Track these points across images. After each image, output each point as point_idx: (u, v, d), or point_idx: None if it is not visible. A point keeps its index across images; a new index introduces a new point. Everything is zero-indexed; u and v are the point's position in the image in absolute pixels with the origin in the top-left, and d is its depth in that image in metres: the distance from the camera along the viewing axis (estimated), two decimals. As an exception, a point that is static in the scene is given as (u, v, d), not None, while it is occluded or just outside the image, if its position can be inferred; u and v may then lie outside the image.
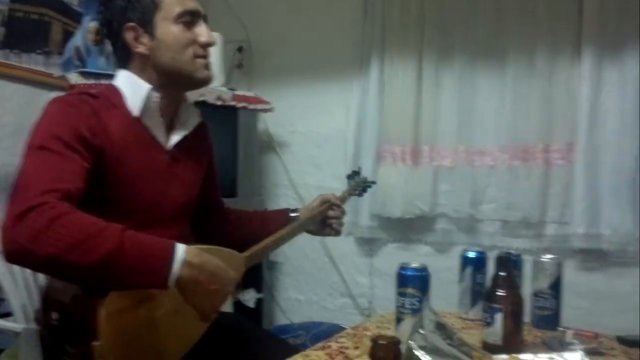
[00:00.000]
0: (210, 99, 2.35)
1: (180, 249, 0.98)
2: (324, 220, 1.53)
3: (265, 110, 2.68)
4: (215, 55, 2.51)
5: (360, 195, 1.80)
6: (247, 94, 2.59)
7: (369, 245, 2.62)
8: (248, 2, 2.91)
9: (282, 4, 2.85)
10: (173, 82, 1.19)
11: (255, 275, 2.57)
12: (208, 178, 1.39)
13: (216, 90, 2.39)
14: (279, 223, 1.42)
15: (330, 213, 1.53)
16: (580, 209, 2.14)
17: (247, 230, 1.45)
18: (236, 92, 2.51)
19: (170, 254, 0.96)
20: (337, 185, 2.49)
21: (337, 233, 1.56)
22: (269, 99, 2.67)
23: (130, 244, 0.94)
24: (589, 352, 1.11)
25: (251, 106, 2.57)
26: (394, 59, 2.49)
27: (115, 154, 1.09)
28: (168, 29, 1.16)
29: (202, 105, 2.19)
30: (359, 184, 1.77)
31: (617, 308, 2.04)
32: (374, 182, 1.88)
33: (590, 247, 2.13)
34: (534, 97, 2.24)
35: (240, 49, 2.87)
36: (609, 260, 2.15)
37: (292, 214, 1.50)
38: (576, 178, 2.16)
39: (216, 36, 2.44)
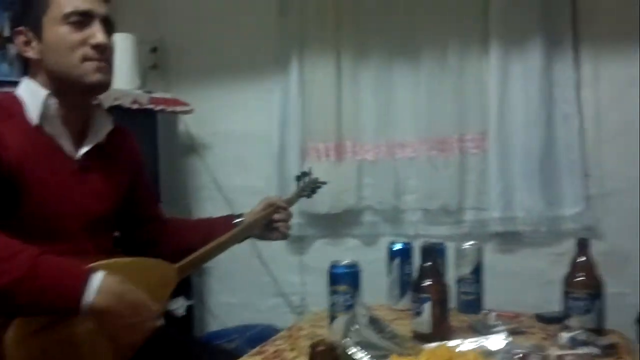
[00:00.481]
0: (126, 102, 2.27)
1: (98, 277, 0.93)
2: (270, 224, 1.51)
3: (185, 112, 2.62)
4: (127, 56, 2.45)
5: (309, 196, 1.79)
6: (165, 96, 2.53)
7: (298, 242, 2.64)
8: (163, 1, 2.83)
9: (198, 2, 2.79)
10: (66, 88, 1.13)
11: (184, 282, 2.51)
12: (136, 187, 1.34)
13: (132, 93, 2.31)
14: (221, 230, 1.37)
15: (276, 216, 1.50)
16: (495, 195, 2.25)
17: (189, 240, 1.38)
18: (153, 95, 2.44)
19: (83, 280, 0.91)
20: (264, 185, 2.51)
21: (284, 236, 1.53)
22: (189, 100, 2.61)
23: (44, 269, 0.89)
24: (511, 332, 1.19)
25: (170, 108, 2.51)
26: (313, 57, 2.51)
27: (14, 167, 1.03)
28: (54, 31, 1.10)
29: (116, 110, 2.12)
30: (307, 185, 1.76)
31: (533, 286, 2.18)
32: (324, 183, 1.86)
33: (506, 230, 2.26)
34: (447, 90, 2.33)
35: (154, 50, 2.78)
36: (524, 241, 2.28)
37: (236, 220, 1.46)
38: (490, 165, 2.27)
39: (127, 37, 2.40)
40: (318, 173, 2.55)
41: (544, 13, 2.18)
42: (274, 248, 2.63)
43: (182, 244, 1.36)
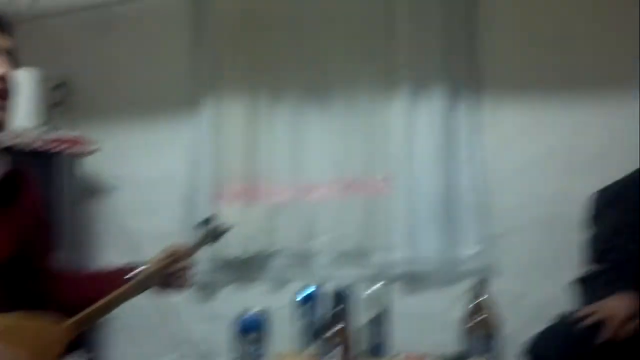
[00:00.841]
0: (25, 142, 2.15)
1: None
2: (171, 274, 1.43)
3: (89, 152, 2.52)
4: (30, 93, 2.33)
5: (213, 243, 1.70)
6: (70, 134, 2.42)
7: (206, 289, 2.56)
8: (70, 36, 2.74)
9: (107, 38, 2.72)
10: None
11: (84, 334, 2.36)
12: (29, 236, 1.25)
13: (32, 132, 2.20)
14: (119, 282, 1.28)
15: (178, 265, 1.43)
16: (401, 236, 2.33)
17: (84, 293, 1.28)
18: (57, 134, 2.33)
19: None
20: (173, 230, 2.43)
21: (183, 288, 1.44)
22: (95, 139, 2.51)
23: None
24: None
25: (73, 148, 2.40)
26: (226, 97, 2.52)
27: None
28: None
29: (14, 150, 1.99)
30: (211, 232, 1.68)
31: (438, 325, 2.24)
32: (228, 229, 1.78)
33: (411, 270, 2.33)
34: (357, 132, 2.42)
35: (60, 86, 2.66)
36: (428, 281, 2.36)
37: (134, 271, 1.35)
38: (396, 207, 2.35)
39: (30, 72, 2.29)
40: (230, 216, 2.52)
41: (447, 60, 2.34)
42: (180, 296, 2.54)
43: (78, 297, 1.27)
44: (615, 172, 2.16)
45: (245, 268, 2.51)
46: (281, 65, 2.49)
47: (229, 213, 2.46)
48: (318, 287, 1.58)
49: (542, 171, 2.29)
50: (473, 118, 2.34)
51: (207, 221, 1.67)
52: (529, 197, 2.29)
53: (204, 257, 2.47)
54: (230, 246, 2.42)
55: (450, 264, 2.32)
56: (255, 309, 1.28)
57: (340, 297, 1.30)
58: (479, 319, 1.35)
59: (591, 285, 2.02)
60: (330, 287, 1.35)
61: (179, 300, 2.51)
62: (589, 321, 1.41)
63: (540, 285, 2.26)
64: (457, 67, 2.34)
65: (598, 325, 1.40)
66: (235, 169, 2.48)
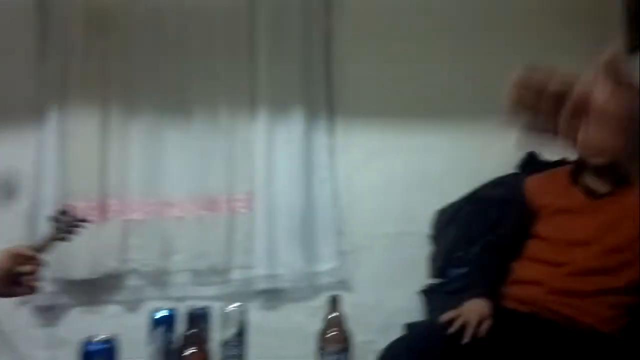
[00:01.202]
0: None
1: None
2: (13, 278, 1.30)
3: None
4: None
5: (65, 238, 1.55)
6: None
7: (48, 312, 2.35)
8: None
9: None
10: None
11: None
12: None
13: None
14: None
15: (22, 268, 1.31)
16: (260, 253, 2.34)
17: None
18: None
19: None
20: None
21: (32, 291, 1.33)
22: None
23: None
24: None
25: None
26: (75, 109, 2.35)
27: None
28: None
29: None
30: (63, 225, 1.53)
31: (296, 341, 2.27)
32: (85, 220, 1.62)
33: (270, 287, 2.35)
34: (217, 150, 2.39)
35: None
36: (287, 297, 2.40)
37: None
38: (256, 224, 2.37)
39: None
40: (78, 235, 2.34)
41: (304, 85, 2.41)
42: (18, 320, 2.31)
43: None
44: (454, 192, 2.38)
45: (94, 289, 2.35)
46: (138, 79, 2.38)
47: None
48: (173, 310, 1.53)
49: (389, 191, 2.45)
50: (328, 141, 2.44)
51: (60, 214, 1.53)
52: (378, 215, 2.44)
53: (47, 278, 2.28)
54: (77, 266, 2.25)
55: (307, 280, 2.38)
56: (103, 334, 1.20)
57: (195, 320, 1.27)
58: (331, 335, 1.40)
59: (436, 296, 2.19)
60: (185, 310, 1.31)
61: (16, 324, 2.29)
62: (455, 325, 1.50)
63: (391, 298, 2.41)
64: (313, 92, 2.43)
65: (449, 325, 1.51)
66: (84, 184, 2.32)
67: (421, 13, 2.46)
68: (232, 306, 1.57)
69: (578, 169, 1.70)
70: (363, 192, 2.46)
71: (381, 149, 2.46)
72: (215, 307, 1.59)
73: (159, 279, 2.37)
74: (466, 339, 1.47)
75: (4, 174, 2.12)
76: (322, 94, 2.44)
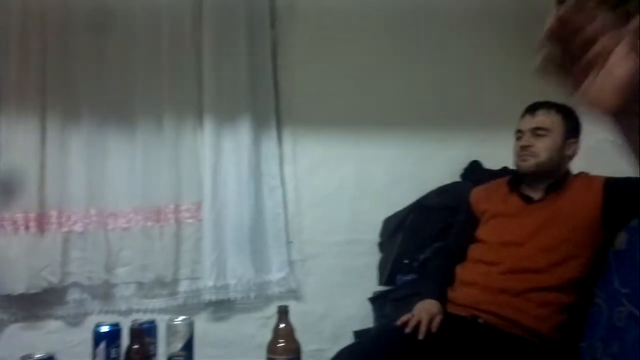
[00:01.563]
0: None
1: None
2: None
3: None
4: None
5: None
6: None
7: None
8: None
9: None
10: None
11: None
12: None
13: None
14: None
15: None
16: (209, 264, 2.31)
17: None
18: None
19: None
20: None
21: None
22: None
23: None
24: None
25: None
26: (11, 117, 2.25)
27: None
28: None
29: None
30: None
31: (246, 351, 2.26)
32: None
33: (219, 298, 2.32)
34: (163, 159, 2.34)
35: None
36: (236, 308, 2.38)
37: None
38: (204, 235, 2.33)
39: None
40: (14, 248, 2.25)
41: (252, 94, 2.40)
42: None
43: None
44: (401, 200, 2.43)
45: (34, 304, 2.25)
46: (79, 84, 2.30)
47: (13, 244, 2.19)
48: (117, 324, 1.48)
49: (338, 199, 2.48)
50: (277, 149, 2.44)
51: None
52: (327, 223, 2.46)
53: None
54: (15, 280, 2.15)
55: (257, 290, 2.36)
56: (43, 351, 1.16)
57: (139, 334, 1.24)
58: (280, 345, 1.39)
59: (385, 303, 2.22)
60: (129, 325, 1.28)
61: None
62: (410, 325, 1.57)
63: (341, 306, 2.43)
64: (260, 101, 2.42)
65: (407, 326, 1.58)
66: (23, 195, 2.22)
67: (368, 23, 2.51)
68: (179, 319, 1.54)
69: (515, 178, 1.79)
70: (312, 201, 2.47)
71: (330, 157, 2.48)
72: (162, 320, 1.56)
73: (102, 292, 2.29)
74: (421, 335, 1.54)
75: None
76: (270, 103, 2.44)
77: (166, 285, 2.32)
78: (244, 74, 2.38)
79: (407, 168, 2.50)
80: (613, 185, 1.62)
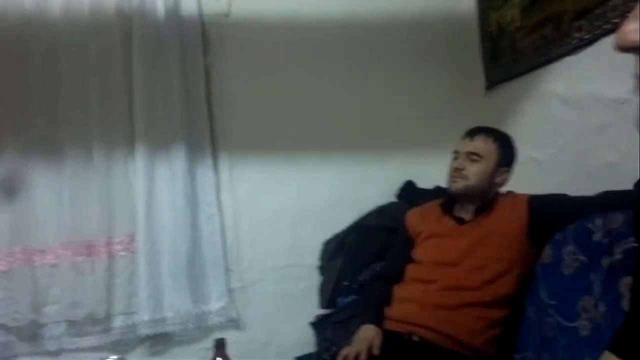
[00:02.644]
0: None
1: None
2: None
3: None
4: None
5: None
6: None
7: None
8: None
9: None
10: None
11: None
12: None
13: None
14: None
15: None
16: (144, 297, 2.23)
17: None
18: None
19: None
20: None
21: None
22: None
23: None
24: None
25: None
26: None
27: None
28: None
29: None
30: None
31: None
32: None
33: (156, 332, 2.24)
34: (93, 191, 2.27)
35: None
36: (174, 341, 2.30)
37: None
38: (139, 267, 2.26)
39: None
40: None
41: (186, 121, 2.36)
42: None
43: None
44: (340, 222, 2.44)
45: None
46: (1, 119, 2.21)
47: None
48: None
49: (276, 225, 2.46)
50: (211, 177, 2.40)
51: None
52: (267, 249, 2.44)
53: None
54: None
55: (196, 321, 2.30)
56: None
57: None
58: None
59: (326, 326, 2.21)
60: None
61: None
62: (350, 357, 1.60)
63: (282, 332, 2.40)
64: (195, 129, 2.38)
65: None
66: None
67: (302, 48, 2.53)
68: (110, 359, 1.48)
69: (449, 201, 1.85)
70: (251, 227, 2.44)
71: (267, 183, 2.47)
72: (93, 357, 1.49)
73: (30, 333, 2.17)
74: None
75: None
76: (205, 130, 2.40)
77: (99, 322, 2.23)
78: (176, 100, 2.34)
79: (345, 190, 2.52)
80: (536, 202, 1.69)
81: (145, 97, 2.32)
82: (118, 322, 2.25)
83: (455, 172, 1.78)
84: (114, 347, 2.17)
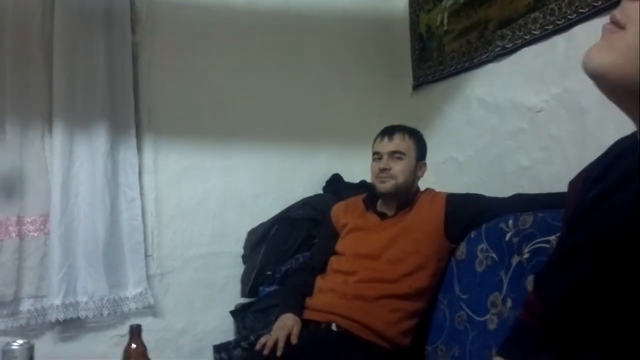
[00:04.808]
0: None
1: None
2: None
3: None
4: None
5: None
6: None
7: None
8: None
9: None
10: None
11: None
12: None
13: None
14: None
15: None
16: (56, 280, 2.13)
17: None
18: None
19: None
20: None
21: None
22: None
23: None
24: None
25: None
26: None
27: None
28: None
29: None
30: None
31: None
32: None
33: (68, 317, 2.15)
34: (4, 167, 2.13)
35: None
36: (87, 327, 2.22)
37: None
38: (52, 249, 2.15)
39: None
40: None
41: (109, 100, 2.26)
42: None
43: None
44: (265, 212, 2.44)
45: None
46: None
47: None
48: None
49: (200, 212, 2.42)
50: (134, 160, 2.31)
51: None
52: (189, 236, 2.40)
53: None
54: None
55: (111, 307, 2.23)
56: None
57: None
58: (133, 363, 1.32)
59: (247, 315, 2.21)
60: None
61: None
62: (268, 345, 1.61)
63: (202, 320, 2.37)
64: (118, 109, 2.29)
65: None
66: None
67: (231, 35, 2.49)
68: (16, 343, 1.40)
69: (372, 197, 1.91)
70: (173, 213, 2.39)
71: (193, 168, 2.42)
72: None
73: None
74: (279, 352, 1.60)
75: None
76: (130, 110, 2.31)
77: (6, 305, 2.10)
78: (100, 77, 2.24)
79: (272, 180, 2.52)
80: (454, 201, 1.78)
81: (66, 70, 2.20)
82: (27, 305, 2.14)
83: (382, 173, 1.83)
84: (21, 332, 2.06)
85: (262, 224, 2.43)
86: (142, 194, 2.33)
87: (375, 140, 1.89)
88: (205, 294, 2.39)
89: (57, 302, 2.12)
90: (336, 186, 2.51)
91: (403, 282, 1.70)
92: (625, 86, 0.62)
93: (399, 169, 1.82)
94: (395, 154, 1.83)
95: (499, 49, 2.01)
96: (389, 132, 1.87)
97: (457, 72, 2.25)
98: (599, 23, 0.86)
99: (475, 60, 2.15)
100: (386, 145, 1.84)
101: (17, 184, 2.15)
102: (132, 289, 2.26)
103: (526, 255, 1.41)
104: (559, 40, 1.77)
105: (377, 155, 1.87)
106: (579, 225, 0.75)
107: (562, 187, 0.92)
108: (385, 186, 1.83)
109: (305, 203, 2.43)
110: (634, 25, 0.61)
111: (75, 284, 2.17)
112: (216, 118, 2.45)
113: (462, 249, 1.70)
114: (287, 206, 2.44)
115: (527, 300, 0.96)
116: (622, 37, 0.62)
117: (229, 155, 2.46)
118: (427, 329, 1.73)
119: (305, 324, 1.72)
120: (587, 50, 0.65)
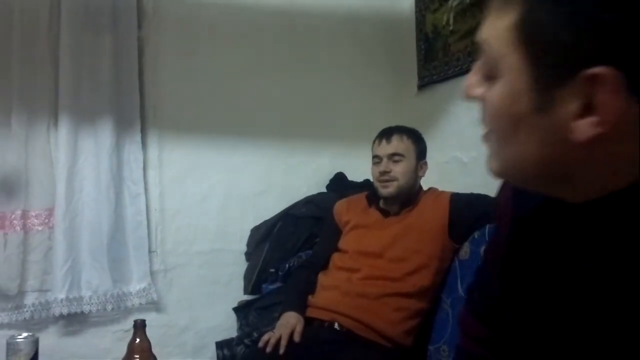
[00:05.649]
0: None
1: None
2: None
3: None
4: None
5: None
6: None
7: None
8: None
9: None
10: None
11: None
12: None
13: None
14: None
15: None
16: (61, 275, 2.14)
17: None
18: None
19: None
20: None
21: None
22: None
23: None
24: None
25: None
26: None
27: None
28: None
29: None
30: None
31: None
32: None
33: (71, 311, 2.16)
34: (9, 161, 2.14)
35: None
36: (90, 321, 2.23)
37: None
38: (56, 243, 2.16)
39: None
40: None
41: (115, 95, 2.26)
42: None
43: None
44: (269, 209, 2.45)
45: None
46: None
47: None
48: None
49: (204, 209, 2.42)
50: (139, 155, 2.31)
51: None
52: (193, 232, 2.40)
53: None
54: None
55: (115, 302, 2.23)
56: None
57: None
58: (137, 359, 1.33)
59: (250, 312, 2.22)
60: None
61: None
62: (271, 342, 1.63)
63: (205, 317, 2.38)
64: (124, 104, 2.29)
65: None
66: None
67: (241, 31, 2.50)
68: (21, 336, 1.41)
69: (374, 195, 1.91)
70: (177, 209, 2.39)
71: (197, 165, 2.42)
72: (3, 337, 1.42)
73: None
74: (281, 350, 1.62)
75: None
76: (135, 105, 2.31)
77: (10, 298, 2.12)
78: (106, 72, 2.24)
79: (276, 178, 2.52)
80: (458, 201, 1.78)
81: (73, 65, 2.20)
82: (31, 299, 2.15)
83: (383, 176, 1.83)
84: (25, 325, 2.07)
85: (265, 222, 2.44)
86: (146, 190, 2.33)
87: (373, 143, 1.90)
88: (208, 291, 2.40)
89: (61, 296, 2.13)
90: (340, 185, 2.51)
91: (406, 281, 1.71)
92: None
93: (400, 171, 1.82)
94: (394, 156, 1.83)
95: (504, 49, 2.01)
96: (386, 134, 1.87)
97: (463, 73, 2.25)
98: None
99: (480, 61, 2.14)
100: (385, 148, 1.85)
101: (22, 178, 2.16)
102: (135, 284, 2.27)
103: (530, 256, 1.41)
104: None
105: (376, 159, 1.87)
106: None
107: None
108: (388, 190, 1.83)
109: (309, 201, 2.43)
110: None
111: (79, 278, 2.18)
112: (221, 115, 2.46)
113: (465, 249, 1.70)
114: (291, 204, 2.44)
115: (460, 318, 0.85)
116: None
117: (234, 152, 2.47)
118: (429, 328, 1.73)
119: (308, 322, 1.73)
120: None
